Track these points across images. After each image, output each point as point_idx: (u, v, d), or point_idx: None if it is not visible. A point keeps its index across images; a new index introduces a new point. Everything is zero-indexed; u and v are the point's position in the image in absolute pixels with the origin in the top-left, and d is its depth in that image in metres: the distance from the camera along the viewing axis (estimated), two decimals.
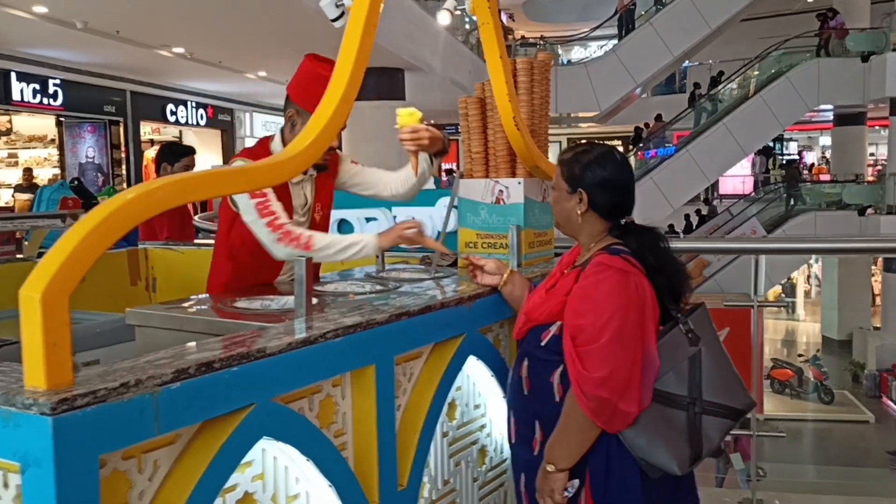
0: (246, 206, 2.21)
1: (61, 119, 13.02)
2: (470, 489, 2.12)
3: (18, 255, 3.86)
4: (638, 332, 1.71)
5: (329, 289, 2.25)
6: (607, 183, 1.85)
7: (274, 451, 1.52)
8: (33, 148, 13.48)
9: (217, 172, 1.56)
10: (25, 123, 13.22)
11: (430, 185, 4.66)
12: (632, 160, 18.89)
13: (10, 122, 13.18)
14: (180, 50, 11.22)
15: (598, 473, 1.75)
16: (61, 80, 12.37)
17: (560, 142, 23.58)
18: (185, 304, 2.11)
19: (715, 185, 21.10)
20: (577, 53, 19.91)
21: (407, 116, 2.37)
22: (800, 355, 17.63)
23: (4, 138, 13.28)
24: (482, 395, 2.18)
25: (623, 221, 1.88)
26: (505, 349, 2.23)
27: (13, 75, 11.55)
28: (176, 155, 4.62)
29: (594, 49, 19.30)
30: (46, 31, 9.61)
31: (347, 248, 2.22)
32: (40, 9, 8.87)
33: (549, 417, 1.81)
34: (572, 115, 19.55)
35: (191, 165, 4.59)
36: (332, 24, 1.87)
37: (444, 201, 3.11)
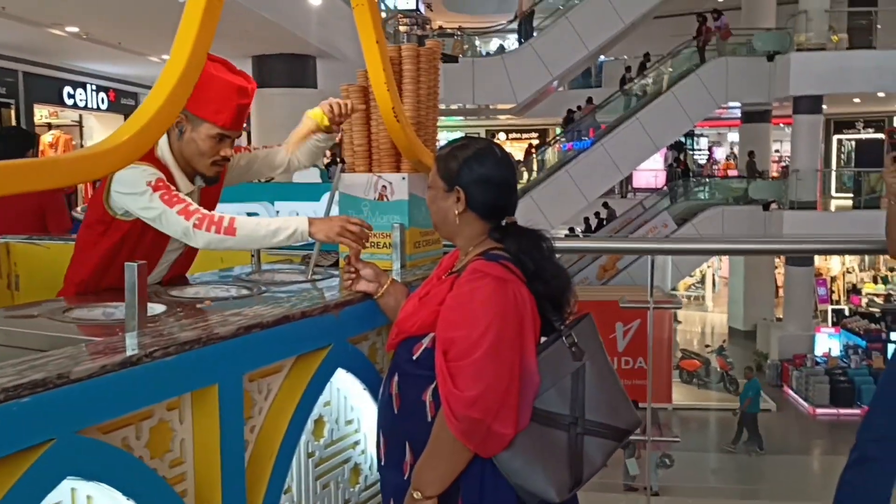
0: (145, 202, 1.94)
1: None
2: None
3: None
4: (515, 347, 1.56)
5: (188, 293, 2.02)
6: (486, 180, 1.69)
7: (87, 489, 1.30)
8: None
9: (20, 164, 1.31)
10: None
11: (316, 178, 4.47)
12: (549, 152, 19.04)
13: None
14: (74, 29, 10.56)
15: (471, 501, 1.59)
16: None
17: (478, 133, 23.52)
18: (9, 314, 1.85)
19: (629, 179, 21.45)
20: (496, 45, 19.84)
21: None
22: (707, 346, 18.16)
23: None
24: (355, 410, 1.99)
25: (504, 223, 1.72)
26: (382, 360, 2.04)
27: None
28: (19, 146, 4.01)
29: (512, 42, 19.26)
30: None
31: (276, 233, 1.96)
32: None
33: (420, 438, 1.63)
34: (490, 106, 19.49)
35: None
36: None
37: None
